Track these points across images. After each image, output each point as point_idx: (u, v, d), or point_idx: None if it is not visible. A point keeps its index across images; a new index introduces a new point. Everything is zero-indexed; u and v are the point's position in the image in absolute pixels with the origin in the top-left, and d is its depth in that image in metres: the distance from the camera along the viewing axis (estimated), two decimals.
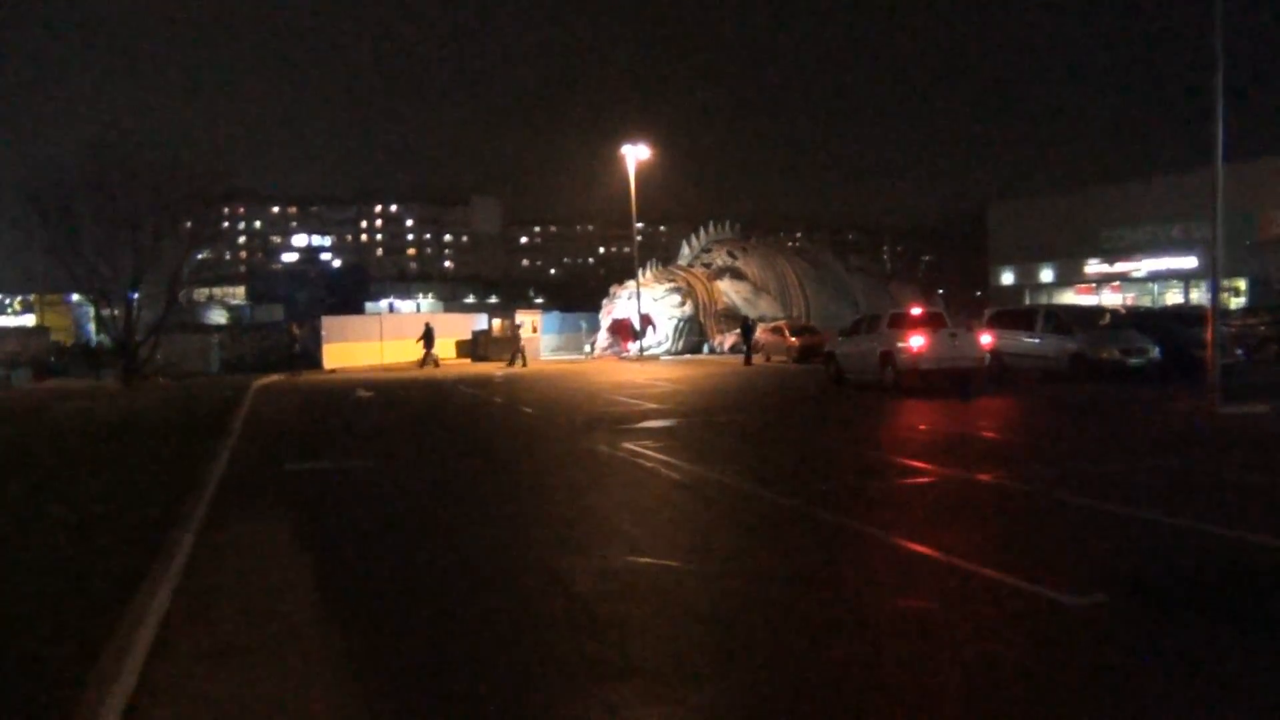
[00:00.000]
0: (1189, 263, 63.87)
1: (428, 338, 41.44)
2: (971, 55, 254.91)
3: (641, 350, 45.60)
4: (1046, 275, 74.53)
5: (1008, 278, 77.57)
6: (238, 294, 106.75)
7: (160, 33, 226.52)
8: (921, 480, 10.78)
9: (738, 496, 10.16)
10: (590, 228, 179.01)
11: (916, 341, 21.36)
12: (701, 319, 48.78)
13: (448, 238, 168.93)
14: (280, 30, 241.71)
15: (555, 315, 54.28)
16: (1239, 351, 25.45)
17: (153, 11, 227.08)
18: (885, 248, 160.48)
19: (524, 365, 40.93)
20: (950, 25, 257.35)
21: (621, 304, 47.85)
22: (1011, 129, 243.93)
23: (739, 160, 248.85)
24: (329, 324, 43.53)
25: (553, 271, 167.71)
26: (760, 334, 40.92)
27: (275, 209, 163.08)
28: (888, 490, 10.34)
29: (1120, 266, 68.73)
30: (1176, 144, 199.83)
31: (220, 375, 38.98)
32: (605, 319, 48.95)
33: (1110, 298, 69.24)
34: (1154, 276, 66.98)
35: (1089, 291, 70.67)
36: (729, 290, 50.45)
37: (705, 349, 48.14)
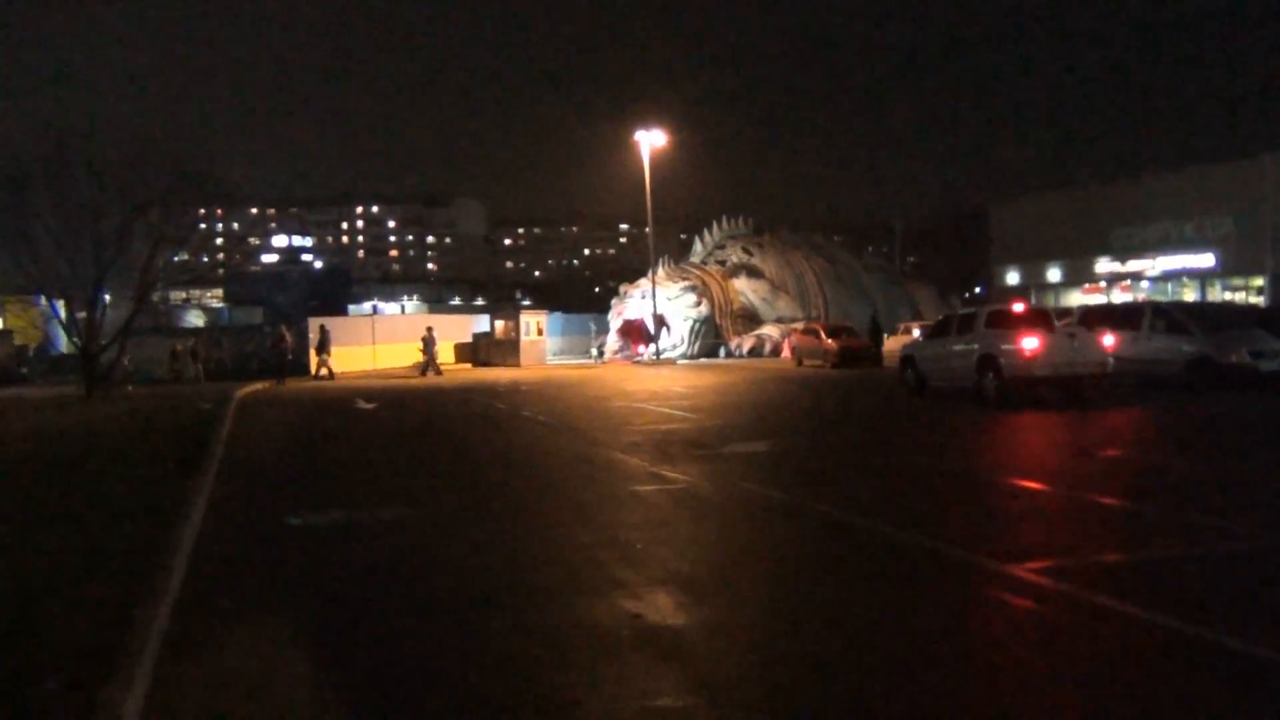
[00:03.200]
0: (1205, 260, 61.24)
1: (428, 344, 37.71)
2: (965, 54, 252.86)
3: (657, 354, 42.08)
4: (1054, 275, 72.01)
5: (1013, 277, 74.99)
6: (216, 296, 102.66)
7: (135, 24, 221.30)
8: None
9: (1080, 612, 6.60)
10: (574, 229, 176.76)
11: (1030, 343, 17.90)
12: (718, 320, 45.33)
13: (431, 239, 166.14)
14: (260, 27, 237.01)
15: (559, 316, 50.52)
16: None
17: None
18: (870, 248, 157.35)
19: (438, 374, 37.06)
20: (947, 22, 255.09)
21: (634, 304, 44.31)
22: (1001, 129, 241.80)
23: (720, 161, 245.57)
24: (316, 326, 39.60)
25: (537, 274, 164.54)
26: (793, 336, 37.53)
27: (254, 209, 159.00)
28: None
29: (1133, 265, 66.07)
30: (1185, 140, 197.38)
31: (197, 382, 35.10)
32: (615, 320, 45.40)
33: (1120, 297, 66.72)
34: (1168, 275, 64.32)
35: (1098, 291, 68.42)
36: (745, 289, 47.06)
37: (721, 352, 44.68)
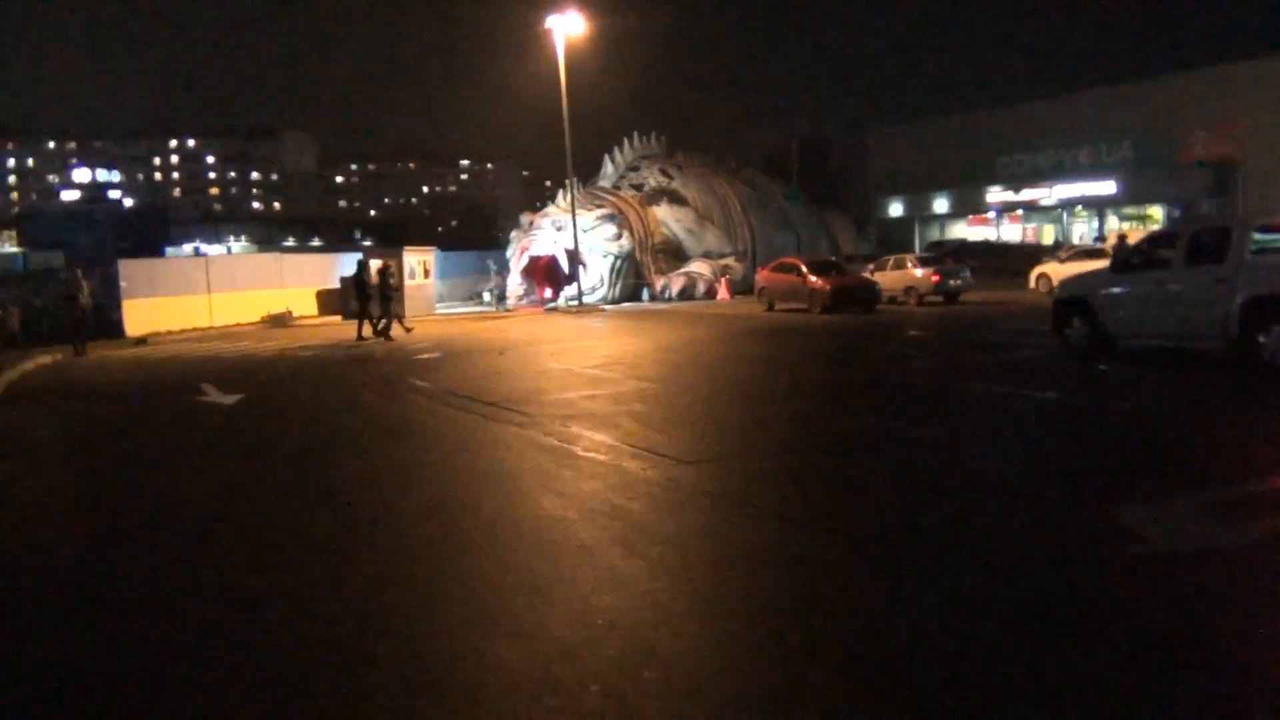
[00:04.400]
0: (1106, 188, 56.97)
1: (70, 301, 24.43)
2: None
3: (579, 299, 33.82)
4: (941, 205, 67.29)
5: (896, 209, 70.05)
6: (10, 239, 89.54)
7: None
8: None
9: None
10: (412, 165, 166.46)
11: None
12: (638, 255, 37.34)
13: (255, 175, 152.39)
14: None
15: (439, 254, 41.06)
16: None
17: None
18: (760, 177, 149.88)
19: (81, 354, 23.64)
20: None
21: (542, 237, 35.72)
22: (868, 52, 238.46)
23: (599, 87, 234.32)
24: (131, 271, 29.36)
25: (373, 213, 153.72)
26: (761, 274, 30.01)
27: (51, 143, 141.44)
28: None
29: (1027, 194, 61.57)
30: (1077, 62, 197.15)
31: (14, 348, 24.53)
32: (519, 259, 36.70)
33: (1010, 229, 62.53)
34: (1065, 204, 60.07)
35: (984, 222, 64.07)
36: (668, 219, 39.21)
37: (645, 295, 36.80)
